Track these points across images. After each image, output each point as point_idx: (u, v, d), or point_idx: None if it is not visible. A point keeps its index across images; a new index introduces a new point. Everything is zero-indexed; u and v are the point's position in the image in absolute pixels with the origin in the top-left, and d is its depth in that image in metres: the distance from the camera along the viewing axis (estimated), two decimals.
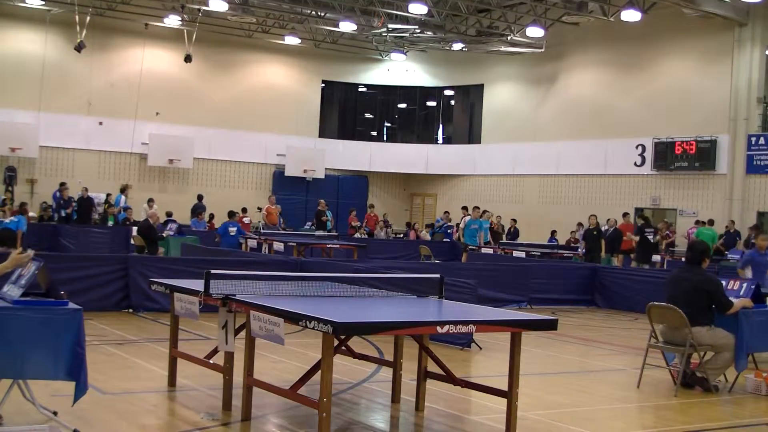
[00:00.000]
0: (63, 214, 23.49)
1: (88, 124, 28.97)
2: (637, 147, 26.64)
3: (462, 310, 7.06)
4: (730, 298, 8.55)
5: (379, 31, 29.02)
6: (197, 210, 25.69)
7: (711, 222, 22.95)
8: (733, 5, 23.55)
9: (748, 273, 12.40)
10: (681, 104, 25.66)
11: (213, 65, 31.19)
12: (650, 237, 20.64)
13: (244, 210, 25.72)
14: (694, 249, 8.83)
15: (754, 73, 24.20)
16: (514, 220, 27.83)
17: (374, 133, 35.68)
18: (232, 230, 19.64)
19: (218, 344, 6.82)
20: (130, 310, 12.33)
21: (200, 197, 26.82)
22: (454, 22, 28.73)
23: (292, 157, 31.72)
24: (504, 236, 26.73)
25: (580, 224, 25.69)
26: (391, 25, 28.41)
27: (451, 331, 5.75)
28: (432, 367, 6.92)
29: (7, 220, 17.72)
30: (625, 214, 23.51)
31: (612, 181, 27.57)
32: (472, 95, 33.75)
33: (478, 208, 22.99)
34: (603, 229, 22.11)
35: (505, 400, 6.10)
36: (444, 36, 29.54)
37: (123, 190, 26.71)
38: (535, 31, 26.49)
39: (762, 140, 23.95)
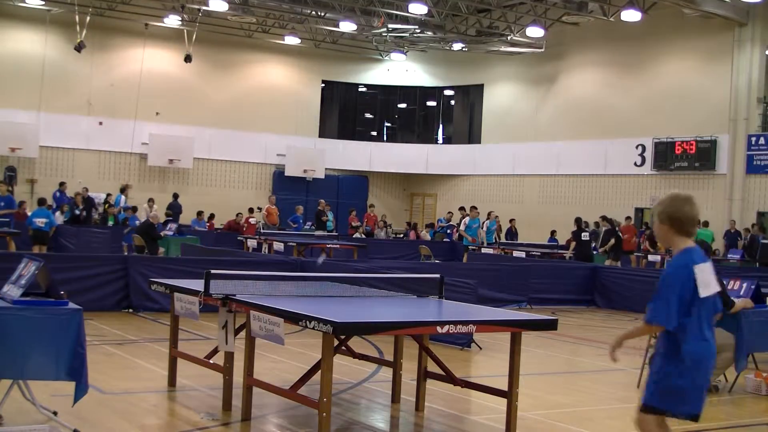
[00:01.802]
0: (77, 212, 23.52)
1: (88, 124, 28.98)
2: (637, 147, 26.65)
3: (462, 310, 7.06)
4: (732, 298, 8.55)
5: (379, 31, 29.03)
6: (172, 209, 25.70)
7: (705, 224, 22.97)
8: (733, 5, 23.55)
9: None
10: (681, 104, 25.66)
11: (213, 65, 31.20)
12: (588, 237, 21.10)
13: (251, 210, 25.77)
14: None
15: (754, 73, 24.21)
16: (513, 220, 27.73)
17: (374, 133, 35.69)
18: None
19: (218, 344, 6.82)
20: (130, 310, 12.32)
21: (176, 196, 26.78)
22: (454, 22, 28.73)
23: (292, 157, 31.72)
24: (503, 236, 26.73)
25: (596, 223, 25.75)
26: (391, 25, 28.42)
27: (451, 331, 5.75)
28: (432, 367, 6.92)
29: (39, 223, 17.81)
30: (628, 218, 23.55)
31: (612, 181, 27.57)
32: (472, 95, 33.75)
33: (476, 208, 23.15)
34: (605, 229, 22.20)
35: (505, 400, 6.10)
36: (444, 36, 29.54)
37: (123, 190, 26.71)
38: (535, 31, 26.50)
39: (762, 140, 23.96)
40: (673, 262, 4.30)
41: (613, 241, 21.03)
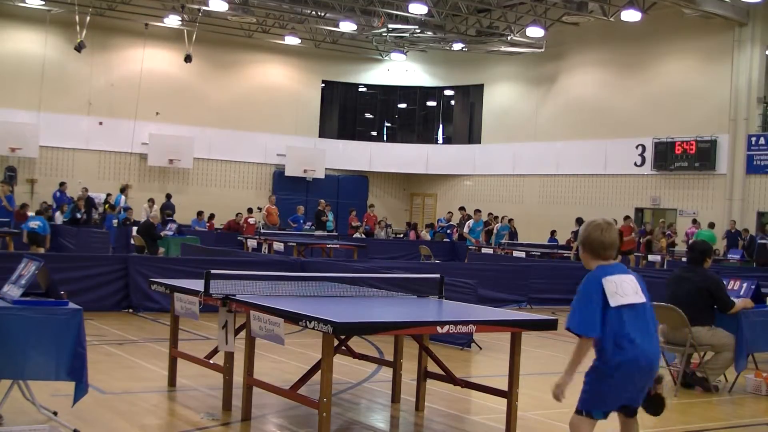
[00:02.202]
0: (78, 216, 23.54)
1: (88, 124, 28.98)
2: (637, 147, 26.66)
3: (462, 310, 7.05)
4: (732, 299, 8.55)
5: (379, 31, 29.03)
6: (168, 209, 25.75)
7: (711, 225, 22.95)
8: (733, 5, 23.56)
9: None
10: (681, 104, 25.66)
11: (213, 65, 31.20)
12: None
13: (249, 210, 25.77)
14: (696, 249, 8.82)
15: (754, 73, 24.22)
16: (511, 220, 27.64)
17: (374, 133, 35.69)
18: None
19: (218, 344, 6.82)
20: (130, 310, 12.32)
21: (168, 196, 26.83)
22: (454, 22, 28.73)
23: (292, 157, 31.72)
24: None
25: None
26: (391, 25, 28.42)
27: (451, 331, 5.75)
28: (432, 367, 6.92)
29: (32, 225, 18.04)
30: (627, 217, 23.56)
31: (612, 181, 27.57)
32: (472, 95, 33.75)
33: (479, 210, 23.34)
34: None
35: (505, 400, 6.10)
36: (444, 36, 29.54)
37: (123, 190, 26.71)
38: (535, 31, 26.50)
39: (762, 140, 23.97)
40: (585, 278, 4.55)
41: None
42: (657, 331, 4.64)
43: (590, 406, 4.51)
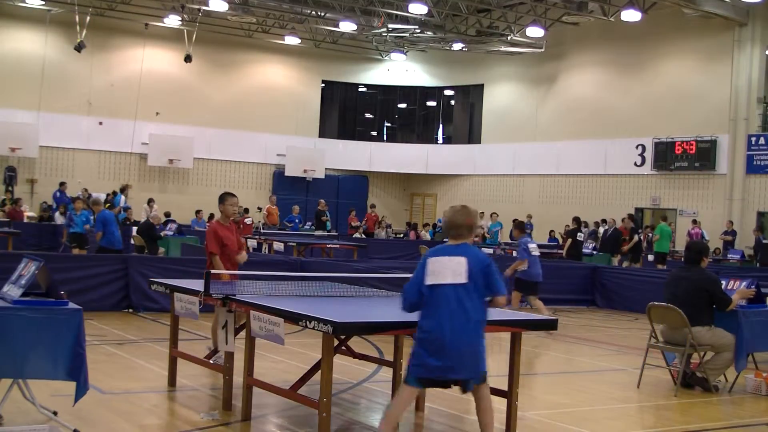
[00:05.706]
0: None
1: (88, 124, 28.98)
2: (637, 147, 26.65)
3: None
4: (729, 295, 8.55)
5: (379, 31, 29.03)
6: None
7: (664, 218, 22.64)
8: (733, 5, 23.56)
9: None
10: (681, 104, 25.66)
11: (213, 65, 31.20)
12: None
13: (246, 211, 25.73)
14: (693, 249, 8.83)
15: (754, 73, 24.22)
16: (515, 220, 27.54)
17: (374, 133, 35.69)
18: None
19: (218, 344, 6.82)
20: (130, 310, 12.32)
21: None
22: (454, 22, 28.73)
23: (292, 157, 31.72)
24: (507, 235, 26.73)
25: (596, 223, 25.78)
26: (391, 25, 28.42)
27: None
28: None
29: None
30: (624, 219, 23.54)
31: (612, 181, 27.57)
32: (472, 95, 33.75)
33: (497, 214, 23.56)
34: (604, 229, 22.27)
35: (505, 400, 6.10)
36: (444, 36, 29.54)
37: (123, 190, 26.72)
38: (535, 31, 26.51)
39: (762, 140, 23.97)
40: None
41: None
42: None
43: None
